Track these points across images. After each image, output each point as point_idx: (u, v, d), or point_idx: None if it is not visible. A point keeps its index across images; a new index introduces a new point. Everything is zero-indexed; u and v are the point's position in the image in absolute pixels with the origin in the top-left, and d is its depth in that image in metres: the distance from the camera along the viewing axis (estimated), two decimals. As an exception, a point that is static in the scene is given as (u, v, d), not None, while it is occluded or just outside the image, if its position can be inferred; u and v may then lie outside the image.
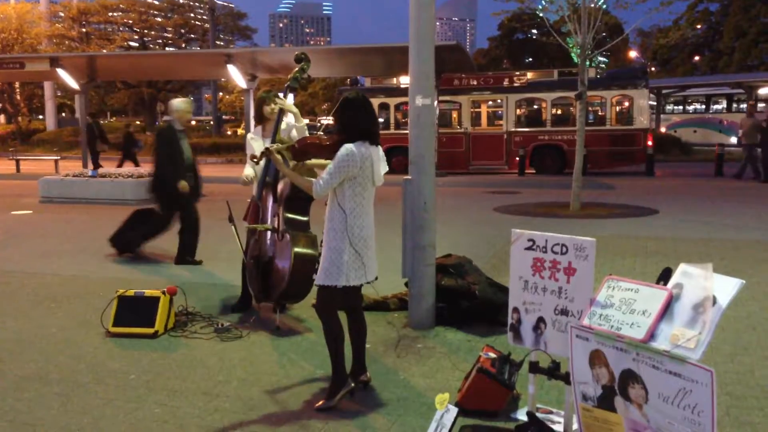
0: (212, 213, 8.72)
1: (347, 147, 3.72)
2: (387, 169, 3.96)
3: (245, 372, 4.40)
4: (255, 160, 5.05)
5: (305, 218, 5.31)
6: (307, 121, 5.84)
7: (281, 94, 5.45)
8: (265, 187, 5.41)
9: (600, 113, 20.18)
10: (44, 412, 3.82)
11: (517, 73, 21.54)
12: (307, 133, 5.37)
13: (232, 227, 5.35)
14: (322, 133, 4.15)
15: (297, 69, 5.32)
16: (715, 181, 17.29)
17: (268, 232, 5.32)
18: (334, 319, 3.91)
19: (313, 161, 4.13)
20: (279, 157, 4.24)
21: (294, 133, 5.37)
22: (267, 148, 4.42)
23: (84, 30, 43.59)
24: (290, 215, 5.20)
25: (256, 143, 5.62)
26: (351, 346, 4.04)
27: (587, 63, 11.89)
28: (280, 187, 5.26)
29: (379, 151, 3.92)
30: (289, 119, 5.43)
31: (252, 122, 5.83)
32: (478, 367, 3.77)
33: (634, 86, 19.52)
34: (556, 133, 20.00)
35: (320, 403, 3.86)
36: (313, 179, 3.89)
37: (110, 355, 4.75)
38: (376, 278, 3.98)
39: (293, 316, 5.67)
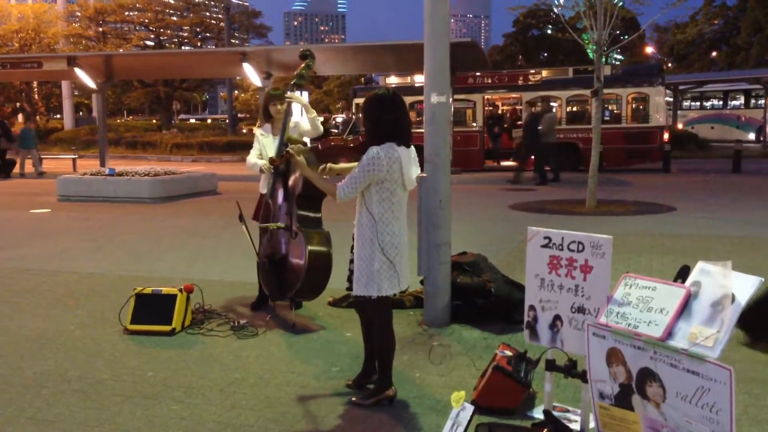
0: (227, 211, 8.77)
1: (373, 150, 3.56)
2: (419, 171, 3.78)
3: (261, 369, 4.42)
4: (275, 164, 5.11)
5: (318, 215, 5.30)
6: (322, 118, 5.87)
7: (289, 93, 5.50)
8: (276, 184, 5.41)
9: (615, 111, 20.03)
10: (63, 408, 3.87)
11: (532, 71, 21.42)
12: (318, 123, 5.43)
13: (243, 226, 5.35)
14: (350, 136, 4.07)
15: (303, 66, 5.45)
16: (732, 178, 17.13)
17: (281, 230, 5.33)
18: (388, 330, 3.81)
19: (341, 165, 4.00)
20: (301, 159, 4.10)
21: (306, 126, 5.42)
22: (287, 151, 4.40)
23: (101, 29, 43.84)
24: (303, 212, 5.18)
25: (266, 139, 5.67)
26: (364, 346, 4.09)
27: (603, 60, 11.81)
28: (291, 184, 5.25)
29: (411, 153, 3.72)
30: (296, 117, 5.51)
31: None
32: (494, 365, 3.76)
33: (650, 84, 19.35)
34: (571, 131, 19.86)
35: (356, 398, 3.86)
36: (337, 184, 3.69)
37: (128, 353, 4.80)
38: (407, 288, 3.91)
39: (308, 314, 5.68)
